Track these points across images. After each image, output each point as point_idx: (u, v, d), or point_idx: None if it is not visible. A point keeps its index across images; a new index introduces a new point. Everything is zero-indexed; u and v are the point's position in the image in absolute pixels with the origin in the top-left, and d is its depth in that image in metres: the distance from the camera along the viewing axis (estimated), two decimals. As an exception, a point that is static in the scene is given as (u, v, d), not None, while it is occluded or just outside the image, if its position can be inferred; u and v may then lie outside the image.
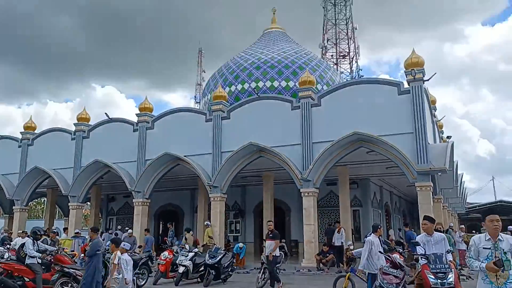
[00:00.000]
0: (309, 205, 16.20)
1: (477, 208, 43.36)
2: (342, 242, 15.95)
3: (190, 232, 17.33)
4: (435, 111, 22.74)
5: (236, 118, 18.14)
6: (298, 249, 21.59)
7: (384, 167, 18.69)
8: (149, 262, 13.38)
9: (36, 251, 9.76)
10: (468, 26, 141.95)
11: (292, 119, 16.97)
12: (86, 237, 16.36)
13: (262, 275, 11.75)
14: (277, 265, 12.21)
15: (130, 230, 17.60)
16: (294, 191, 18.66)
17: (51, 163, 21.18)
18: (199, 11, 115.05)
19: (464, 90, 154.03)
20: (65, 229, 19.77)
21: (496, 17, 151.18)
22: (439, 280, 6.50)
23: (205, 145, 18.26)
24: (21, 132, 23.32)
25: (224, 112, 18.37)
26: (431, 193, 14.85)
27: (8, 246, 14.32)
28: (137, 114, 20.35)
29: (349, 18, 45.09)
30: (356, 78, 38.09)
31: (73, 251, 14.54)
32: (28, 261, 9.57)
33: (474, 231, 32.93)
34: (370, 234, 8.61)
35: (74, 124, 21.85)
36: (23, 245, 9.85)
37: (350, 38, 44.66)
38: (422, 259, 6.86)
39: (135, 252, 14.06)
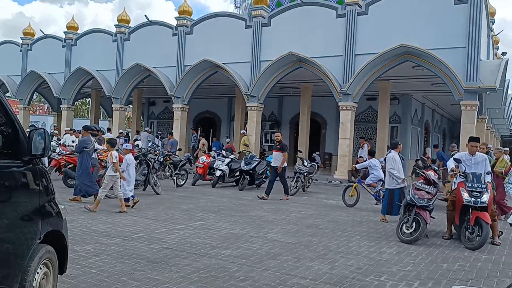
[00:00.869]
0: (346, 119, 16.04)
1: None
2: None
3: (227, 138, 17.80)
4: (493, 24, 20.94)
5: (276, 25, 17.43)
6: (331, 161, 21.97)
7: (429, 84, 17.91)
8: (188, 164, 14.07)
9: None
10: None
11: (335, 29, 16.14)
12: (130, 137, 17.18)
13: (295, 183, 12.20)
14: (310, 175, 12.59)
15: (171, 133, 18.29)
16: (332, 104, 18.44)
17: (94, 64, 21.62)
18: None
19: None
20: (109, 129, 20.78)
21: None
22: (472, 199, 6.51)
23: (244, 53, 17.90)
24: (64, 32, 23.58)
25: (264, 18, 17.65)
26: (476, 113, 14.29)
27: (59, 141, 15.39)
28: (176, 18, 19.95)
29: None
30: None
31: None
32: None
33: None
34: (390, 151, 8.76)
35: (115, 25, 21.78)
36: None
37: None
38: (461, 176, 6.83)
39: (175, 155, 14.78)
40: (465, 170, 6.88)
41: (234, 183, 13.56)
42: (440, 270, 5.29)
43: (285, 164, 11.56)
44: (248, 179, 13.07)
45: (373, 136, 20.73)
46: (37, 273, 3.05)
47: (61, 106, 23.82)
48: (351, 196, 10.43)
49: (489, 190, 6.59)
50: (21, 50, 24.87)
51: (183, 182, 13.09)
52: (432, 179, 7.15)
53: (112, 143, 8.82)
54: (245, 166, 13.03)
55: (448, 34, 14.22)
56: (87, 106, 51.82)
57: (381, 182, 10.12)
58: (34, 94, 27.51)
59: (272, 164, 11.60)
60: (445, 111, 28.07)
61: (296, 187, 12.15)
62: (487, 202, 6.49)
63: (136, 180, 10.27)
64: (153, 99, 29.02)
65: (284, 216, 8.62)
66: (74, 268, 4.52)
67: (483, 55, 14.77)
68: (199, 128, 24.12)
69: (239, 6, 29.66)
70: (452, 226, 7.17)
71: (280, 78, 17.49)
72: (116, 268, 4.72)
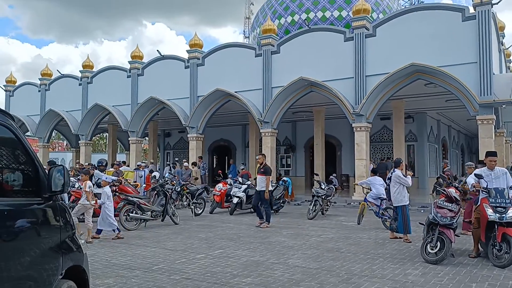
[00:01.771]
0: (361, 140, 15.96)
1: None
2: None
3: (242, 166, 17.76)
4: (503, 38, 20.82)
5: (286, 52, 17.69)
6: (349, 183, 21.73)
7: (443, 100, 17.78)
8: (205, 193, 14.07)
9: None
10: None
11: (344, 52, 16.29)
12: (147, 169, 17.31)
13: (313, 207, 12.06)
14: (328, 198, 12.45)
15: (186, 163, 18.39)
16: (346, 126, 18.39)
17: (109, 100, 22.14)
18: None
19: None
20: (124, 162, 20.79)
21: None
22: (497, 214, 6.33)
23: (255, 81, 18.15)
24: (80, 71, 24.33)
25: (273, 46, 17.95)
26: (493, 127, 14.07)
27: (79, 177, 15.55)
28: (187, 51, 20.43)
29: None
30: (415, 4, 35.28)
31: (135, 181, 15.55)
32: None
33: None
34: (394, 170, 8.76)
35: (129, 61, 22.40)
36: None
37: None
38: (483, 192, 6.69)
39: (192, 184, 14.82)
40: (487, 185, 6.73)
41: (252, 210, 13.46)
42: (469, 291, 5.11)
43: (270, 188, 11.54)
44: (266, 205, 12.94)
45: (390, 156, 20.52)
46: (60, 308, 3.06)
47: (79, 142, 24.31)
48: (360, 214, 10.65)
49: (514, 205, 6.41)
50: (39, 91, 25.68)
51: (201, 211, 13.07)
52: (454, 196, 7.00)
53: (86, 173, 9.10)
54: (262, 192, 12.90)
55: (458, 50, 14.22)
56: (105, 141, 52.74)
57: (380, 200, 10.28)
58: (53, 132, 28.16)
59: (257, 188, 11.08)
60: (461, 126, 27.71)
61: (314, 211, 12.01)
62: (512, 218, 6.31)
63: (154, 211, 10.35)
64: (168, 131, 29.43)
65: (304, 241, 8.49)
66: (95, 303, 4.51)
67: (495, 69, 14.66)
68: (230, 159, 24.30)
69: (248, 36, 30.30)
70: (479, 244, 6.97)
71: (292, 103, 17.60)
72: (137, 302, 4.69)
